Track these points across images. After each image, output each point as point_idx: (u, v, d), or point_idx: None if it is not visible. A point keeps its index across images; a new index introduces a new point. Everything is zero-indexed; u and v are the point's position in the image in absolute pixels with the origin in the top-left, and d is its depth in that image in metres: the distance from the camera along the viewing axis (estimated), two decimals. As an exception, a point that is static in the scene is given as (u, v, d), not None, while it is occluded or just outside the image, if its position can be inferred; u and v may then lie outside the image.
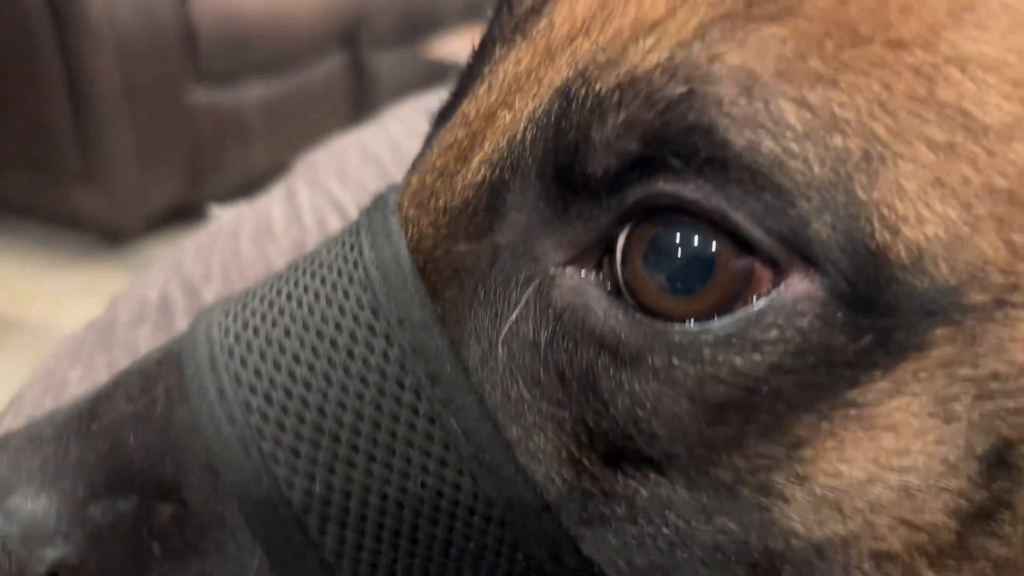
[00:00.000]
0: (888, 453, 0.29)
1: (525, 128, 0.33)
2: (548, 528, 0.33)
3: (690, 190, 0.29)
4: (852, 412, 0.29)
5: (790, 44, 0.28)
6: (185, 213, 3.19)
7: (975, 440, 0.28)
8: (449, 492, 0.33)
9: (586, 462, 0.32)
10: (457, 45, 2.85)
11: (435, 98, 0.42)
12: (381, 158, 0.69)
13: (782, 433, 0.29)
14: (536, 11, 0.37)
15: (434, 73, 3.94)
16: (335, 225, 0.61)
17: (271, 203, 0.68)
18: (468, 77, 0.39)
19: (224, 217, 0.70)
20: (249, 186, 3.46)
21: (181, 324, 0.58)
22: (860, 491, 0.29)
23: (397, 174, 0.45)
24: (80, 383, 0.54)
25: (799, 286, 0.28)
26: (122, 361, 0.55)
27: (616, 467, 0.32)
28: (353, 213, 0.63)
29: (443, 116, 0.40)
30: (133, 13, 2.67)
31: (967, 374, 0.28)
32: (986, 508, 0.29)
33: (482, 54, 0.39)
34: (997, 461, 0.28)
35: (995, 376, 0.28)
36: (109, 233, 2.94)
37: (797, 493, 0.30)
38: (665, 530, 0.32)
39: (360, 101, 3.82)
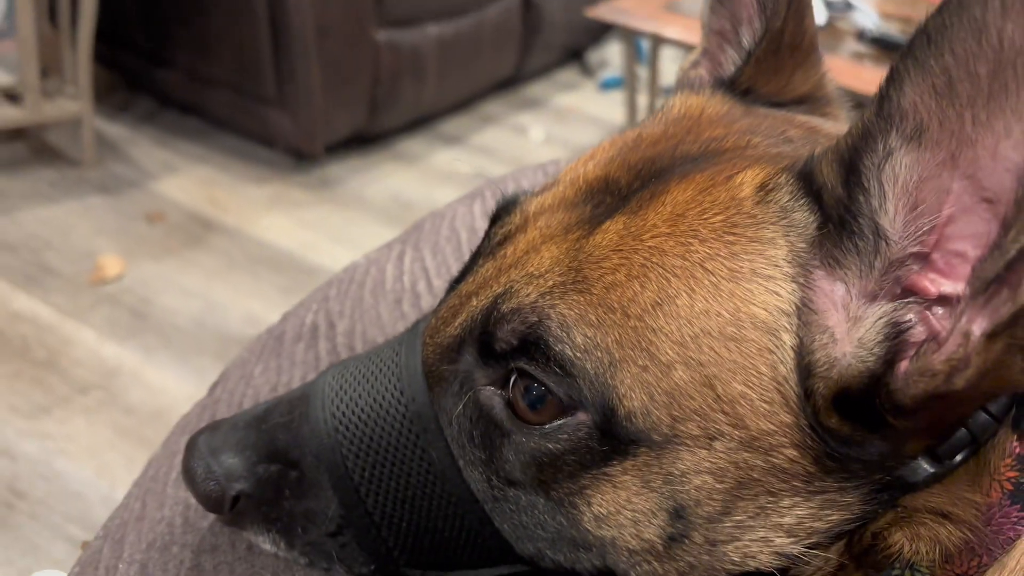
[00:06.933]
0: (622, 500, 0.57)
1: (476, 313, 0.61)
2: (479, 511, 0.63)
3: (533, 368, 0.58)
4: (604, 477, 0.57)
5: (583, 305, 0.57)
6: (360, 141, 3.56)
7: (662, 502, 0.56)
8: (431, 486, 0.63)
9: (494, 480, 0.62)
10: (614, 9, 3.02)
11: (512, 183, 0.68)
12: (460, 237, 0.96)
13: (575, 480, 0.59)
14: (500, 244, 0.65)
15: (595, 24, 4.09)
16: (422, 289, 0.91)
17: (388, 260, 0.96)
18: (466, 269, 0.68)
19: (359, 265, 1.00)
20: (420, 117, 3.76)
21: (322, 345, 0.88)
22: (613, 516, 0.57)
23: (467, 251, 0.69)
24: (261, 376, 0.85)
25: (581, 417, 0.57)
26: (285, 367, 0.87)
27: (508, 485, 0.61)
28: (435, 282, 0.92)
29: (455, 283, 0.69)
30: (330, -41, 2.98)
31: (656, 470, 0.55)
32: (675, 536, 0.56)
33: (475, 258, 0.67)
34: (677, 514, 0.55)
35: (670, 474, 0.55)
36: (296, 153, 3.35)
37: (586, 511, 0.58)
38: (530, 519, 0.61)
39: (529, 39, 4.06)
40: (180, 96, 3.50)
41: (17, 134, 3.26)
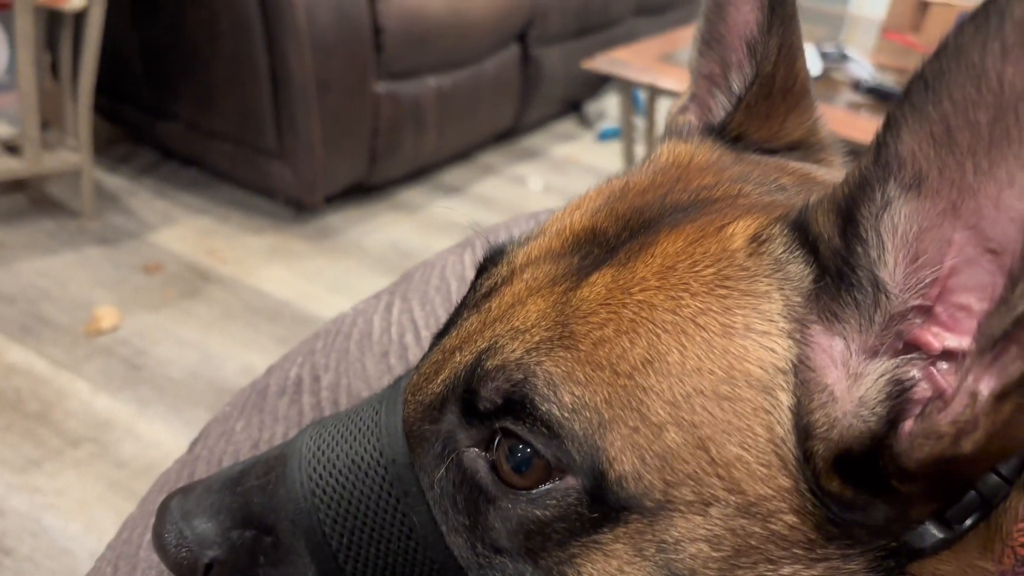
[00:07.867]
0: (613, 569, 0.54)
1: (460, 370, 0.59)
2: None
3: (519, 429, 0.55)
4: (594, 545, 0.54)
5: (570, 362, 0.54)
6: (360, 191, 3.57)
7: (656, 571, 0.53)
8: (412, 552, 0.60)
9: (479, 547, 0.59)
10: (611, 61, 3.05)
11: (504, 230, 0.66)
12: (450, 287, 0.94)
13: (564, 548, 0.55)
14: (486, 296, 0.63)
15: (593, 77, 4.13)
16: (409, 341, 0.89)
17: (376, 311, 0.94)
18: (451, 322, 0.66)
19: (347, 316, 0.98)
20: (420, 168, 3.78)
21: (306, 400, 0.86)
22: None
23: (457, 302, 0.66)
24: (242, 432, 0.83)
25: (569, 481, 0.54)
26: (267, 422, 0.84)
27: (494, 552, 0.58)
28: (423, 333, 0.90)
29: (439, 336, 0.67)
30: (330, 14, 3.00)
31: (649, 537, 0.52)
32: None
33: (460, 310, 0.65)
34: None
35: (663, 542, 0.52)
36: (295, 204, 3.35)
37: None
38: None
39: (528, 91, 4.09)
40: (182, 148, 3.51)
41: (17, 185, 3.27)
